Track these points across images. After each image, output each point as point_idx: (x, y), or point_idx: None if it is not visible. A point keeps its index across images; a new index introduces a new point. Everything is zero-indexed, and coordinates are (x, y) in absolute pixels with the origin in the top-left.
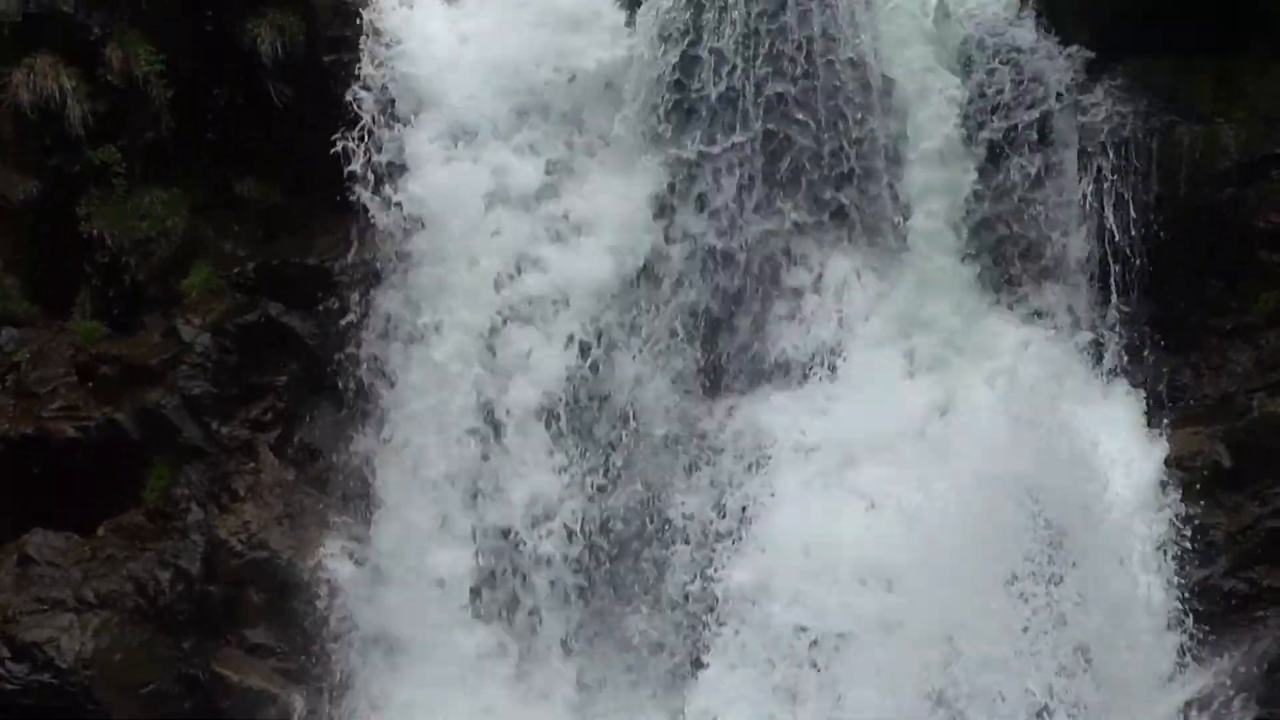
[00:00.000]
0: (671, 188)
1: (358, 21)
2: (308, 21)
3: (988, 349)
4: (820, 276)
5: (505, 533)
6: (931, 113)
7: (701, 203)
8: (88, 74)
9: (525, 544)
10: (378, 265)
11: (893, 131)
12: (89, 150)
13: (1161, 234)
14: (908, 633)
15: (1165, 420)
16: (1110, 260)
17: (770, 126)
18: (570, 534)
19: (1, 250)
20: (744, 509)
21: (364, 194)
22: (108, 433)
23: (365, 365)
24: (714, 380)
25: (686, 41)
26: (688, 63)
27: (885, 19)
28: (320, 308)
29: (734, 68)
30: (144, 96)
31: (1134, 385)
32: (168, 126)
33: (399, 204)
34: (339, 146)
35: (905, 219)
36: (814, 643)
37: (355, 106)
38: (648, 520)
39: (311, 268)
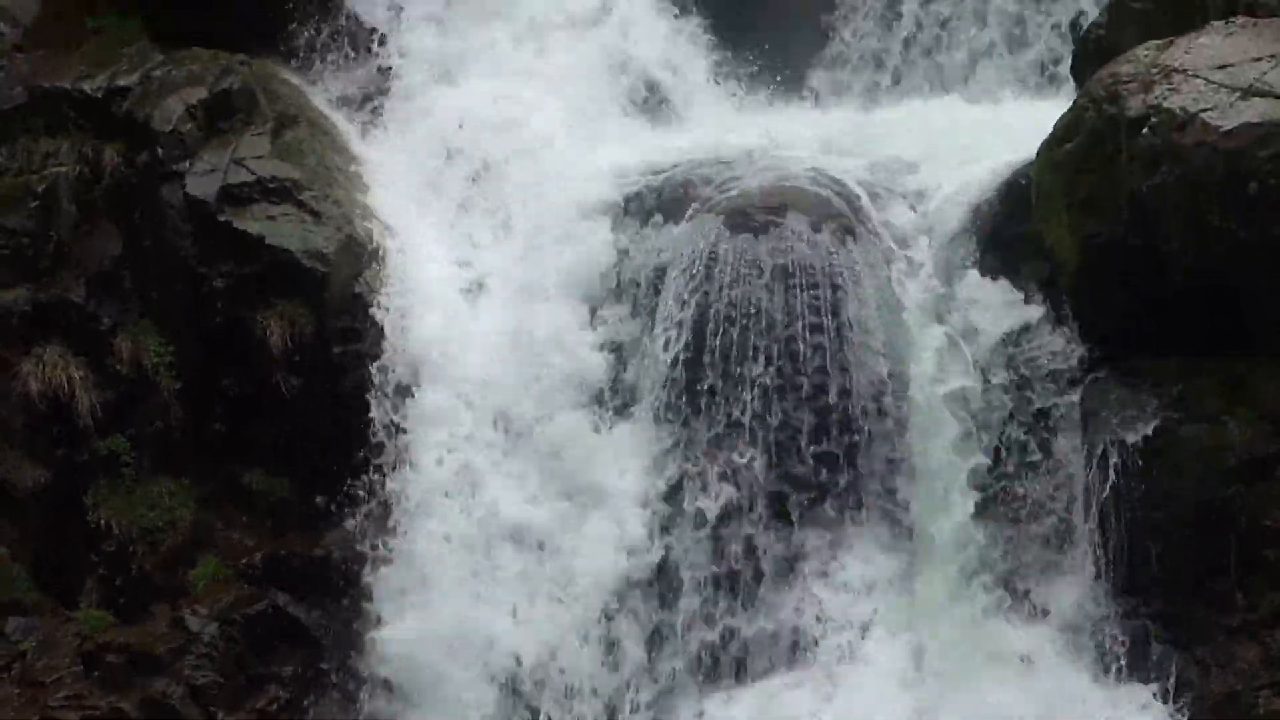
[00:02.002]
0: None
1: (368, 312)
2: (317, 313)
3: (994, 649)
4: (824, 574)
5: None
6: (938, 413)
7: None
8: (97, 364)
9: None
10: (385, 559)
11: (895, 427)
12: (97, 440)
13: (1168, 531)
14: None
15: (1172, 716)
16: (1117, 556)
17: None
18: None
19: (9, 539)
20: None
21: (373, 485)
22: None
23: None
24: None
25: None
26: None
27: (895, 323)
28: (328, 599)
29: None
30: (153, 387)
31: (1140, 681)
32: (176, 417)
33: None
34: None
35: (909, 514)
36: None
37: (365, 400)
38: None
39: (319, 559)
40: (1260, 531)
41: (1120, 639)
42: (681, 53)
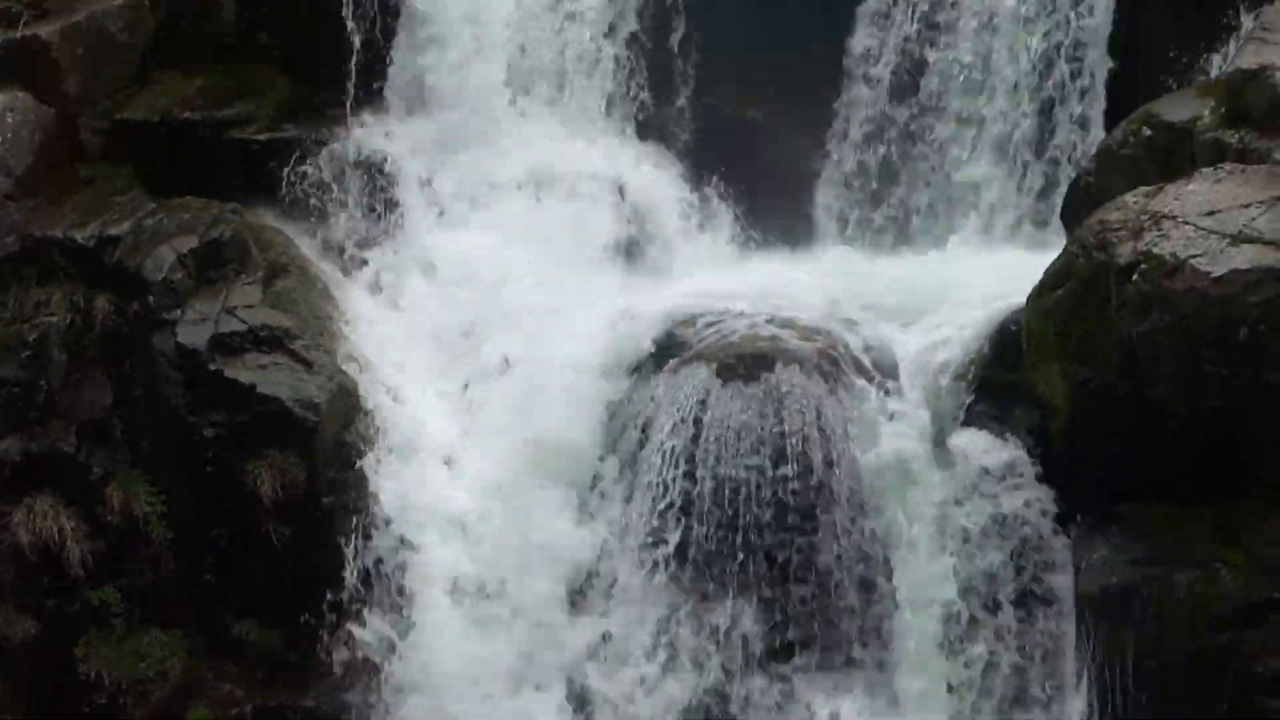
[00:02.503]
0: None
1: (359, 463)
2: (308, 462)
3: None
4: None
5: None
6: (926, 567)
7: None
8: (88, 514)
9: None
10: (373, 710)
11: (883, 581)
12: (88, 590)
13: (1160, 679)
14: None
15: None
16: (1107, 704)
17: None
18: None
19: None
20: None
21: (363, 637)
22: None
23: None
24: None
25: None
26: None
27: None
28: None
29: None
30: (144, 537)
31: None
32: (167, 567)
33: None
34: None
35: (896, 671)
36: None
37: (354, 550)
38: None
39: (309, 710)
40: (1253, 679)
41: None
42: (673, 201)
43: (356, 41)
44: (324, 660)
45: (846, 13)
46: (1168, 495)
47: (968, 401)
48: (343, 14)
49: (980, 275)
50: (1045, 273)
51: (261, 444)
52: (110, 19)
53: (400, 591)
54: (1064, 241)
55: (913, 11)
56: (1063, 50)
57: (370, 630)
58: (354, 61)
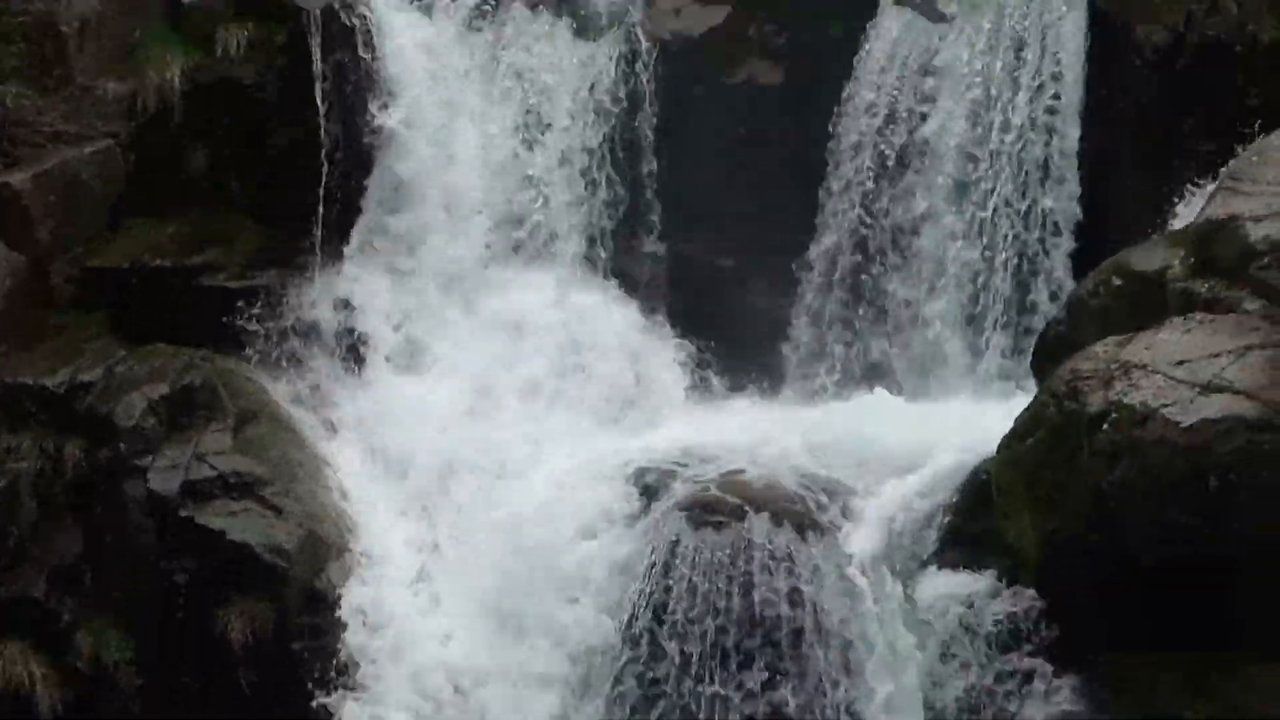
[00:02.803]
0: None
1: (329, 610)
2: (278, 609)
3: None
4: None
5: None
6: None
7: None
8: (57, 660)
9: None
10: None
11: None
12: None
13: None
14: None
15: None
16: None
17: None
18: None
19: None
20: None
21: None
22: None
23: None
24: None
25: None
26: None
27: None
28: None
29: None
30: (113, 684)
31: None
32: (136, 714)
33: None
34: None
35: None
36: None
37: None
38: None
39: None
40: None
41: None
42: (647, 349)
43: (325, 198)
44: None
45: (818, 165)
46: (1141, 645)
47: (937, 550)
48: (313, 165)
49: (950, 424)
50: (1015, 422)
51: (232, 590)
52: (82, 166)
53: None
54: (1034, 391)
55: (883, 167)
56: (1032, 213)
57: None
58: (324, 211)
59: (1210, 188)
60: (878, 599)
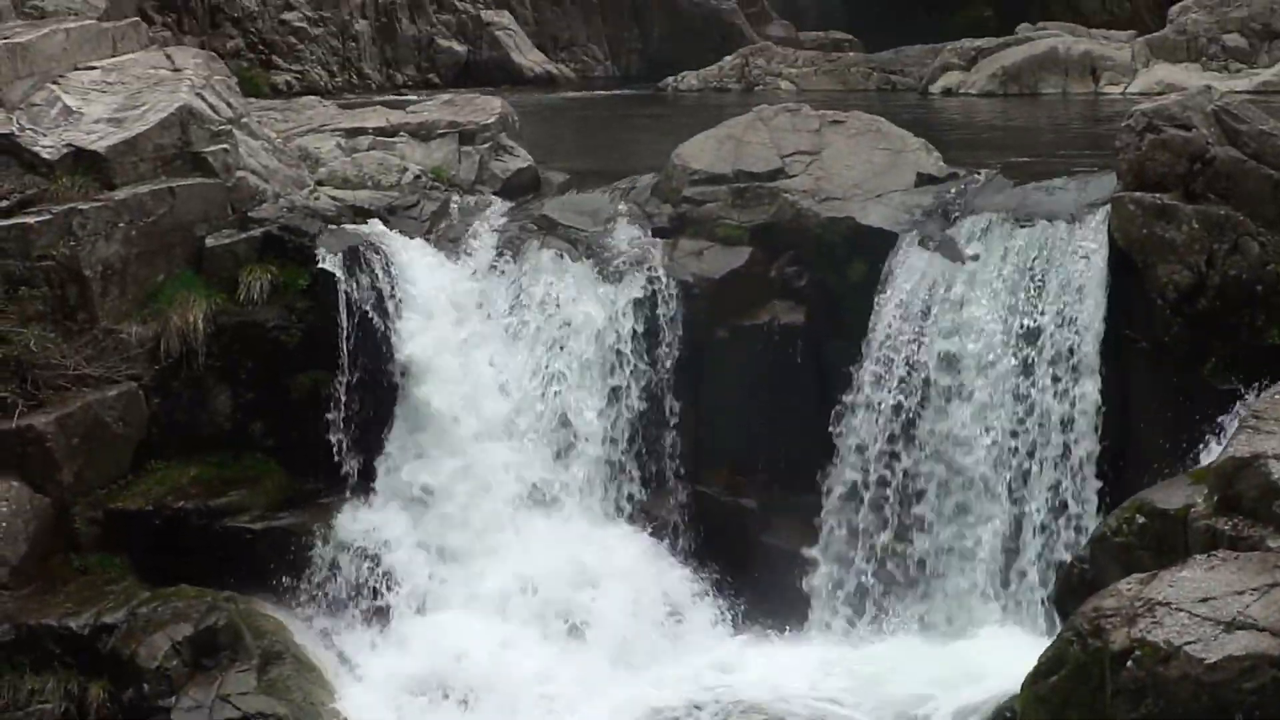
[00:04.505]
0: None
1: None
2: None
3: None
4: None
5: None
6: None
7: None
8: None
9: None
10: None
11: None
12: None
13: None
14: None
15: None
16: None
17: None
18: None
19: None
20: None
21: None
22: None
23: None
24: None
25: None
26: None
27: None
28: None
29: None
30: None
31: None
32: None
33: None
34: None
35: None
36: None
37: None
38: None
39: None
40: None
41: None
42: (669, 587)
43: (347, 439)
44: None
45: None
46: None
47: None
48: (336, 407)
49: (973, 662)
50: (1040, 659)
51: None
52: (105, 409)
53: None
54: (1057, 629)
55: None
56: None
57: None
58: (346, 453)
59: (1233, 427)
60: None
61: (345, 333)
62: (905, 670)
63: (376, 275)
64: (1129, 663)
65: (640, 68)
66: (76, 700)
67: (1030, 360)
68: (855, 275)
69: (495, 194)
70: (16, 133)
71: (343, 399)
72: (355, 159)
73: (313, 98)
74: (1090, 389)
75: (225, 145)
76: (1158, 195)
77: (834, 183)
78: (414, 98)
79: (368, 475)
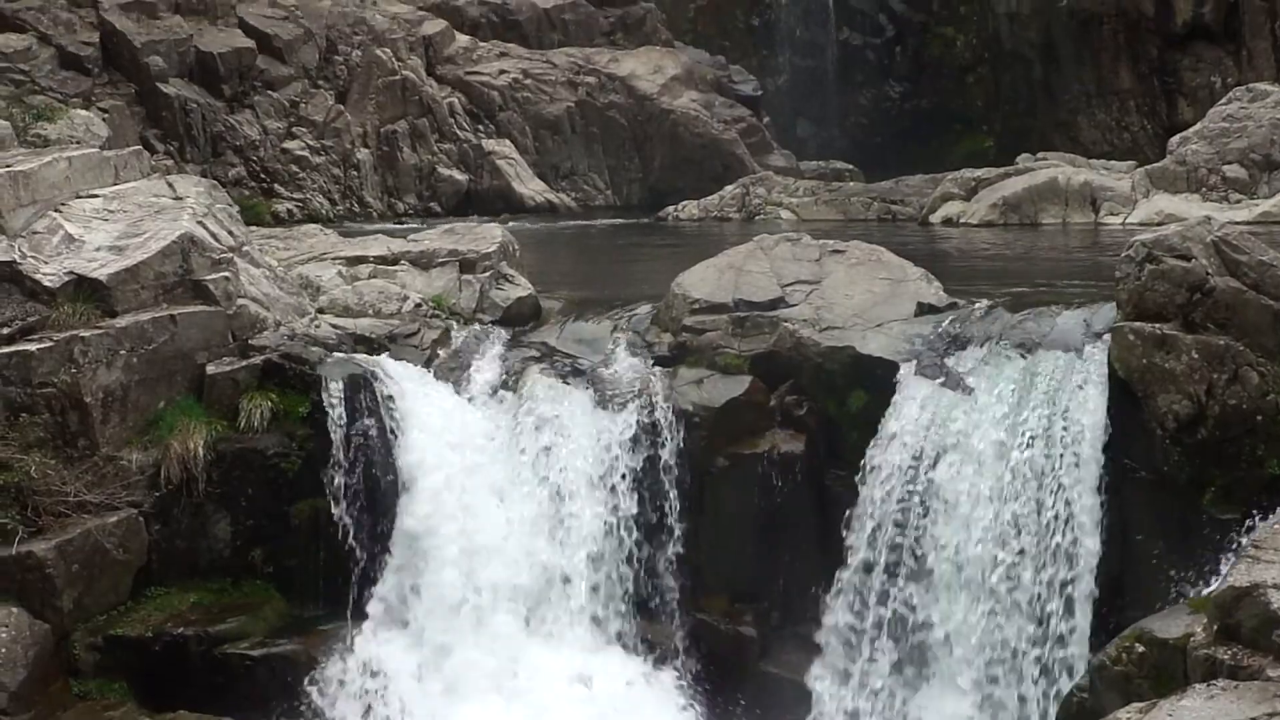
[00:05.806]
0: None
1: None
2: None
3: None
4: None
5: None
6: None
7: None
8: None
9: None
10: None
11: None
12: None
13: None
14: None
15: None
16: None
17: None
18: None
19: None
20: None
21: None
22: None
23: None
24: None
25: None
26: None
27: None
28: None
29: None
30: None
31: None
32: None
33: None
34: None
35: None
36: None
37: None
38: None
39: None
40: None
41: None
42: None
43: (350, 567)
44: None
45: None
46: None
47: None
48: (335, 534)
49: None
50: None
51: None
52: (105, 536)
53: None
54: None
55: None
56: (1053, 583)
57: None
58: (345, 580)
59: (1231, 557)
60: None
61: (340, 465)
62: None
63: (377, 404)
64: None
65: (641, 196)
66: None
67: (1031, 487)
68: (855, 404)
69: (495, 322)
70: (18, 260)
71: (342, 527)
72: (356, 287)
73: (314, 226)
74: (1089, 520)
75: (226, 273)
76: (1157, 325)
77: (834, 312)
78: (415, 226)
79: (366, 603)
